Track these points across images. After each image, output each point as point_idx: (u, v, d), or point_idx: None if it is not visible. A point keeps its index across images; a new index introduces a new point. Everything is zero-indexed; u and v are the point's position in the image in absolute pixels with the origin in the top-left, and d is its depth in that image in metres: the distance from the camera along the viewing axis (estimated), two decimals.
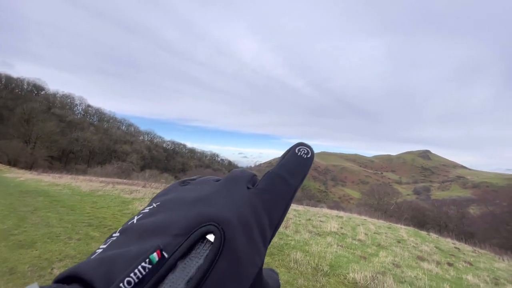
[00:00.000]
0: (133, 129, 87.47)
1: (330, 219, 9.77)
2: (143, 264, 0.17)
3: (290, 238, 5.96)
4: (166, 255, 0.18)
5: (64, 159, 53.97)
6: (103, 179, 18.51)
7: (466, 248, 9.58)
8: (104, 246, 0.20)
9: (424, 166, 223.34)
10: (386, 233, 9.02)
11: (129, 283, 0.16)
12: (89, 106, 76.51)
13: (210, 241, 0.19)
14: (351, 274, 4.07)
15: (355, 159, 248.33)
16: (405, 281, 4.26)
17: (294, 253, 4.61)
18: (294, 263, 4.24)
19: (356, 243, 6.63)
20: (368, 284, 3.85)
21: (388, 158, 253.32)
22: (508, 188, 23.71)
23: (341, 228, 8.37)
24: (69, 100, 70.50)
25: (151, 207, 0.24)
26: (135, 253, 0.18)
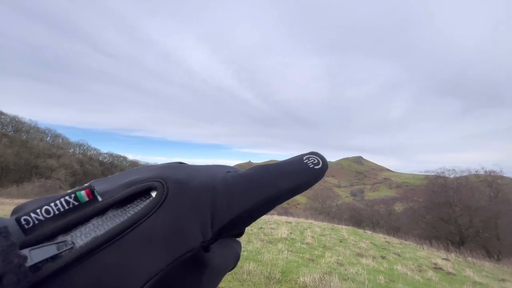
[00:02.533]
0: (61, 140, 76.15)
1: (281, 226, 10.06)
2: (67, 198, 0.16)
3: (242, 249, 5.87)
4: (100, 198, 0.18)
5: None
6: (20, 200, 15.62)
7: (394, 241, 10.95)
8: None
9: (358, 171, 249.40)
10: (330, 234, 9.70)
11: (47, 212, 0.16)
12: (1, 113, 64.22)
13: (152, 197, 0.18)
14: (301, 278, 4.24)
15: None
16: (348, 278, 4.62)
17: (247, 264, 4.59)
18: (247, 274, 4.21)
19: (305, 246, 6.95)
20: (316, 286, 4.05)
21: (329, 165, 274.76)
22: (423, 186, 28.08)
23: (291, 233, 8.69)
24: None
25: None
26: (71, 191, 0.17)
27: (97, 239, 0.14)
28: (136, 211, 0.17)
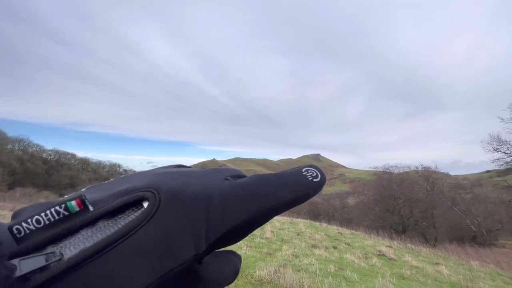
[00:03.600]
0: None
1: None
2: (57, 208, 0.16)
3: None
4: (91, 208, 0.17)
5: None
6: None
7: (346, 232, 11.80)
8: None
9: None
10: (288, 228, 10.06)
11: (38, 221, 0.15)
12: None
13: (144, 207, 0.18)
14: (257, 272, 4.34)
15: (264, 163, 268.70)
16: (301, 268, 4.87)
17: None
18: None
19: (264, 241, 7.12)
20: (272, 278, 4.20)
21: (290, 162, 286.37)
22: (372, 181, 30.66)
23: None
24: None
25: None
26: (62, 200, 0.17)
27: (85, 251, 0.14)
28: (126, 222, 0.17)
